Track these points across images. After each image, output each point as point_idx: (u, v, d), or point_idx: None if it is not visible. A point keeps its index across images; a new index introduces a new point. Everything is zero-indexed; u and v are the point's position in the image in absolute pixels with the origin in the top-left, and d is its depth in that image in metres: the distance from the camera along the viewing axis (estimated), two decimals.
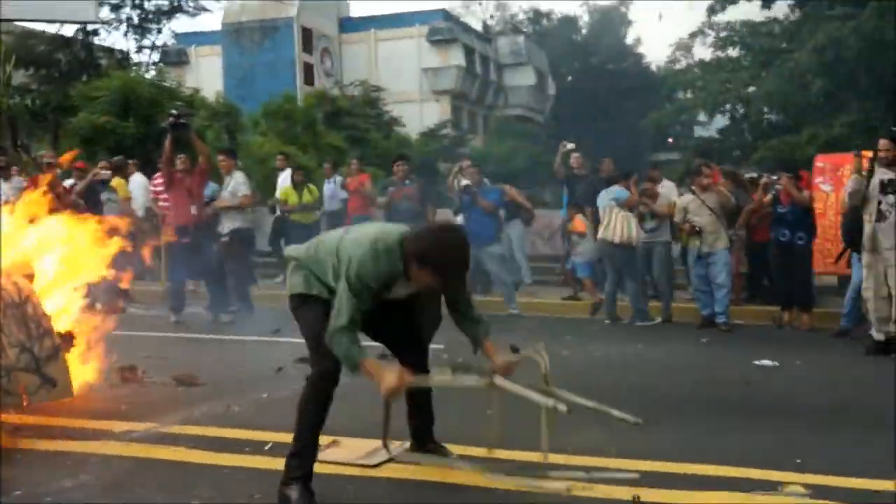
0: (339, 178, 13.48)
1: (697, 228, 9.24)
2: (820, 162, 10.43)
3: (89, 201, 10.57)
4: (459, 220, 10.46)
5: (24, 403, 4.71)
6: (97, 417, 5.17)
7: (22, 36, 30.93)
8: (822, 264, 10.02)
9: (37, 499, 3.92)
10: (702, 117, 24.81)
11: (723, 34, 22.87)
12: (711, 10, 22.26)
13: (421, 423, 4.35)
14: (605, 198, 9.84)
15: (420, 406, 4.32)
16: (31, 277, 5.09)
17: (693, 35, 23.79)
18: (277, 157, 14.48)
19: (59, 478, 4.19)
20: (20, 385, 4.54)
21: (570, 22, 50.85)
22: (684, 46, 24.76)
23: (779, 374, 6.96)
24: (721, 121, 24.40)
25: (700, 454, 4.51)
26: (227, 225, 10.05)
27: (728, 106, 22.79)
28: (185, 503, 3.89)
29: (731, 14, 22.69)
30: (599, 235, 9.86)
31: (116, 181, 11.13)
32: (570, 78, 48.51)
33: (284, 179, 13.43)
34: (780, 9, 22.28)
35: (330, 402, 3.91)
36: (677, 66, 25.59)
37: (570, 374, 6.91)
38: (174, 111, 9.69)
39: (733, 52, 23.45)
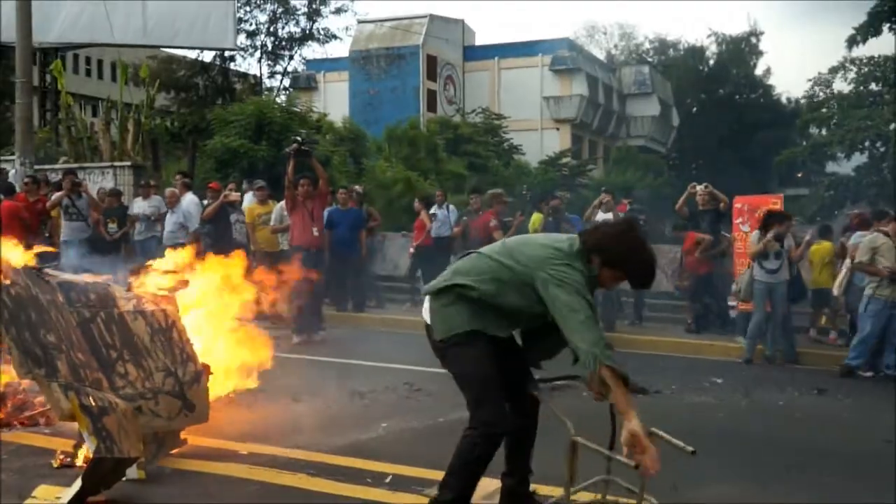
0: (452, 207, 13.47)
1: None
2: (738, 203, 10.52)
3: (219, 222, 10.95)
4: None
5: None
6: (224, 438, 5.29)
7: (164, 61, 32.80)
8: None
9: None
10: (838, 154, 23.74)
11: (864, 69, 21.84)
12: (852, 41, 21.31)
13: (522, 476, 3.97)
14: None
15: (523, 455, 3.95)
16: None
17: (833, 70, 22.78)
18: (437, 192, 14.61)
19: (189, 497, 4.29)
20: (165, 408, 4.67)
21: (696, 52, 49.89)
22: (824, 82, 23.65)
23: None
24: (857, 158, 23.33)
25: None
26: None
27: (867, 143, 21.74)
28: None
29: (873, 47, 21.74)
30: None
31: (251, 205, 11.48)
32: (695, 109, 47.50)
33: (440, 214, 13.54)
34: None
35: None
36: (815, 100, 24.43)
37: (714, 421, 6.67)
38: (298, 138, 10.04)
39: (874, 87, 22.39)
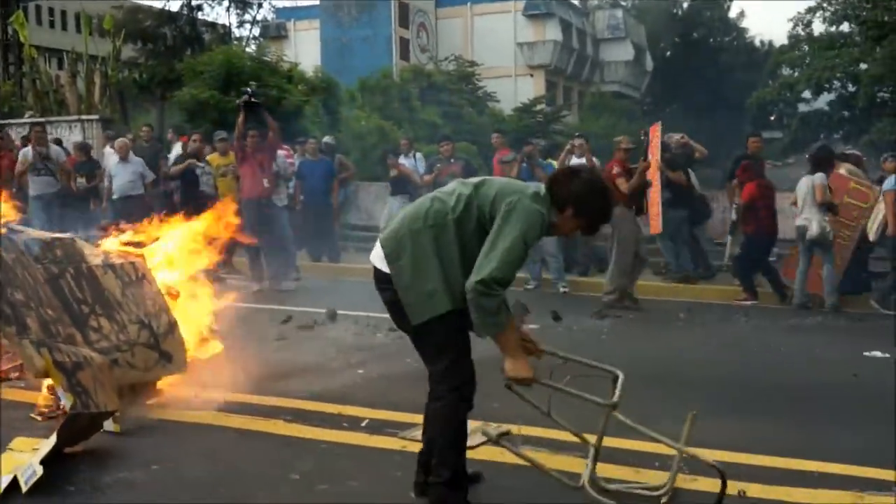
0: (419, 155, 13.37)
1: None
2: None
3: (186, 176, 10.88)
4: None
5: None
6: (199, 387, 5.31)
7: (130, 11, 32.09)
8: None
9: (143, 465, 4.06)
10: (806, 94, 23.89)
11: (838, 9, 21.78)
12: None
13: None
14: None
15: None
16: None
17: (811, 10, 22.70)
18: (402, 140, 14.42)
19: (163, 446, 4.33)
20: (141, 360, 4.69)
21: None
22: (805, 22, 23.60)
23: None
24: (828, 98, 23.45)
25: (808, 449, 4.34)
26: None
27: (836, 84, 21.79)
28: (284, 477, 3.95)
29: None
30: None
31: (211, 156, 11.34)
32: (668, 53, 47.28)
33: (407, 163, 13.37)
34: None
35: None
36: (788, 42, 24.49)
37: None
38: (247, 90, 10.12)
39: (846, 28, 22.41)
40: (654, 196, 10.33)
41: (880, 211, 8.99)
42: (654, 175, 10.28)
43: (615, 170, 9.49)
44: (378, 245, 3.54)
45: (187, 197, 10.65)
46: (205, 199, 9.79)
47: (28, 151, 11.50)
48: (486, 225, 3.36)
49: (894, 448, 4.34)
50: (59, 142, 13.09)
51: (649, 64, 44.84)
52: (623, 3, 48.95)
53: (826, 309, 9.18)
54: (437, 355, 3.50)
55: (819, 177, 9.23)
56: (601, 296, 9.38)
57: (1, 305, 3.92)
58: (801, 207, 9.30)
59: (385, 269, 3.48)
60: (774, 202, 9.91)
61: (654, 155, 10.40)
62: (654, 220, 10.42)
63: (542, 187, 3.52)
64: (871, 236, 9.11)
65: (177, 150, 12.65)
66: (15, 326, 3.99)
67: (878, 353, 6.96)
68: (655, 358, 6.73)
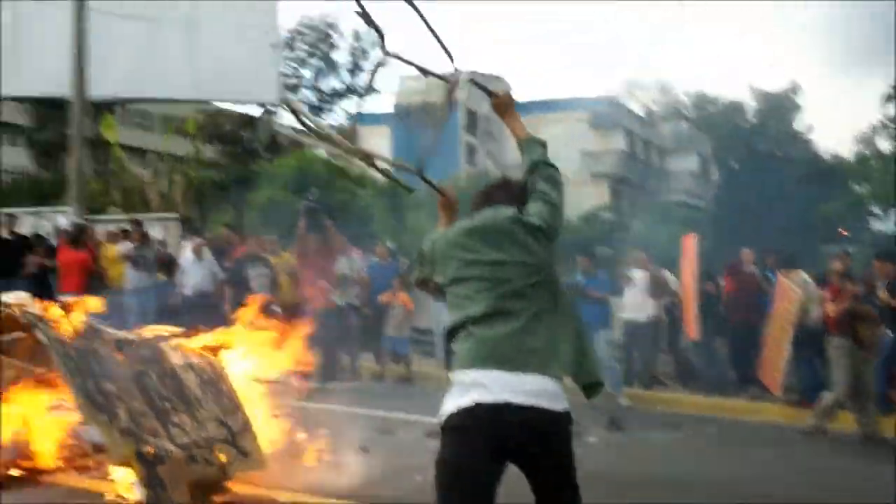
0: None
1: None
2: None
3: (234, 281, 11.12)
4: None
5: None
6: (267, 487, 5.39)
7: (213, 114, 33.62)
8: None
9: None
10: (876, 210, 23.67)
11: None
12: (887, 99, 21.36)
13: None
14: None
15: None
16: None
17: (875, 130, 22.88)
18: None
19: None
20: (219, 456, 4.83)
21: (736, 107, 49.81)
22: (866, 140, 23.77)
23: None
24: None
25: None
26: None
27: None
28: None
29: None
30: None
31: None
32: (736, 165, 47.34)
33: None
34: None
35: None
36: (855, 158, 24.55)
37: None
38: (309, 197, 10.50)
39: None
40: (689, 302, 10.61)
41: None
42: (688, 285, 10.75)
43: (826, 294, 8.74)
44: (535, 384, 2.84)
45: (237, 298, 10.67)
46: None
47: (126, 246, 12.04)
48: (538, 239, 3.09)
49: None
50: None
51: (715, 174, 44.97)
52: (688, 115, 49.51)
53: None
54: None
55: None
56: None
57: (96, 395, 4.15)
58: None
59: (551, 405, 2.85)
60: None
61: (689, 266, 10.76)
62: (689, 325, 10.77)
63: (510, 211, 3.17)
64: None
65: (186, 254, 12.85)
66: (106, 415, 4.22)
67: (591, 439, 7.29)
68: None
